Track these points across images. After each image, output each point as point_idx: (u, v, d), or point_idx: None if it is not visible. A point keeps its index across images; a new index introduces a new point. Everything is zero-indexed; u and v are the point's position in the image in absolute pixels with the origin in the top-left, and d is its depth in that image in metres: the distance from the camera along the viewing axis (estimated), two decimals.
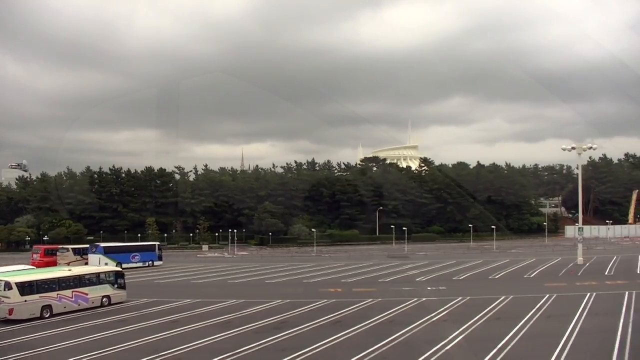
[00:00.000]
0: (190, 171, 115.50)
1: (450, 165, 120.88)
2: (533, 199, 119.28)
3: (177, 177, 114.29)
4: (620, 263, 55.24)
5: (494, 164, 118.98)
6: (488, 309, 29.39)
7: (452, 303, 31.76)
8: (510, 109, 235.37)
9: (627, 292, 33.24)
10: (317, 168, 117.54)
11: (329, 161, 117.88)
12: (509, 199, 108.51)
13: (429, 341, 22.01)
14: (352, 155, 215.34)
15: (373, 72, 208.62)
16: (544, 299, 32.02)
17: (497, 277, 48.27)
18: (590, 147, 59.52)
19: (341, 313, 29.30)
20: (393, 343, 22.33)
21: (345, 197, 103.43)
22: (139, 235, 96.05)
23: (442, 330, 24.32)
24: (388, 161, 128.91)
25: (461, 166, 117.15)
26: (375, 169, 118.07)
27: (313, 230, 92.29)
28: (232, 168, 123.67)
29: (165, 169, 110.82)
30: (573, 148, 58.85)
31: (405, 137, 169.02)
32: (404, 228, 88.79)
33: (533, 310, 28.39)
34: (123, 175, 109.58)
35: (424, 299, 34.62)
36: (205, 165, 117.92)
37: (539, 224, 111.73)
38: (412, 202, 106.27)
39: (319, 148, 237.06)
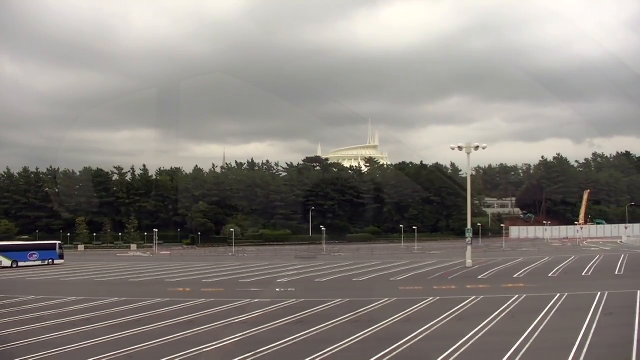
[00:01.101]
0: (128, 171, 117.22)
1: (393, 165, 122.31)
2: (477, 200, 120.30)
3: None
4: (512, 267, 54.22)
5: (436, 163, 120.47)
6: (305, 312, 28.04)
7: (279, 305, 30.83)
8: (509, 108, 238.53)
9: (480, 297, 32.43)
10: (261, 167, 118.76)
11: (267, 161, 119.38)
12: (449, 199, 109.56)
13: (194, 343, 21.01)
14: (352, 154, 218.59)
15: (370, 71, 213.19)
16: (379, 302, 30.73)
17: (362, 279, 47.35)
18: (478, 147, 60.11)
19: (155, 311, 28.85)
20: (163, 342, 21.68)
21: (280, 197, 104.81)
22: (68, 234, 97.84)
23: (221, 333, 23.19)
24: (339, 161, 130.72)
25: (402, 166, 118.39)
26: (317, 168, 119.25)
27: (245, 229, 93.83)
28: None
29: (102, 169, 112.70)
30: (460, 148, 59.53)
31: (409, 135, 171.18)
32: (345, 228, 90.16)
33: (347, 315, 26.81)
34: (61, 175, 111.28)
35: (256, 300, 33.96)
36: (143, 166, 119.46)
37: (481, 225, 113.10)
38: (349, 202, 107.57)
39: (317, 147, 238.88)
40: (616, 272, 45.83)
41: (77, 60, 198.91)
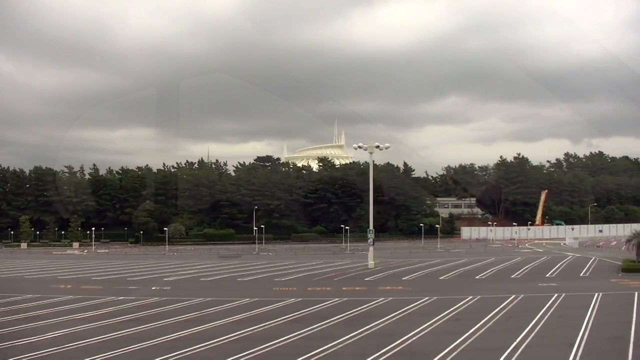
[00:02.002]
0: (79, 170, 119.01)
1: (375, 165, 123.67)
2: (429, 200, 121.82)
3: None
4: (411, 269, 54.70)
5: (388, 163, 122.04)
6: (152, 310, 29.71)
7: (136, 303, 32.39)
8: (507, 109, 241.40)
9: (344, 299, 33.62)
10: (210, 166, 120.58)
11: (217, 160, 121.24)
12: (398, 199, 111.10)
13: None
14: (351, 154, 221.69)
15: (368, 71, 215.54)
16: (238, 302, 32.28)
17: (246, 279, 48.49)
18: (378, 146, 61.96)
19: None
20: None
21: (225, 196, 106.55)
22: (12, 232, 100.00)
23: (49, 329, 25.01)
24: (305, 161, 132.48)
25: (350, 166, 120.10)
26: (269, 167, 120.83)
27: (190, 228, 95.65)
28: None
29: (52, 169, 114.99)
30: (360, 147, 61.41)
31: (407, 135, 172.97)
32: (290, 228, 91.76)
33: (188, 314, 28.63)
34: (8, 174, 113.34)
35: (120, 297, 35.09)
36: (94, 165, 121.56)
37: (432, 225, 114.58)
38: (297, 202, 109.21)
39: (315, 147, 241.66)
40: (513, 276, 47.18)
41: (74, 60, 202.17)
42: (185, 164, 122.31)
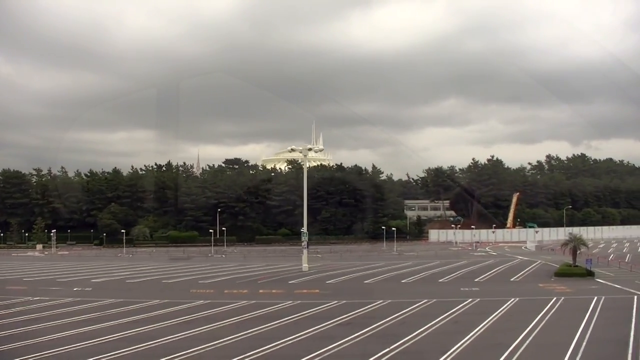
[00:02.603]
0: (46, 173, 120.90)
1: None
2: (397, 202, 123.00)
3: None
4: (341, 273, 55.75)
5: (355, 165, 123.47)
6: (57, 310, 32.31)
7: (48, 304, 34.78)
8: (505, 110, 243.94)
9: (252, 301, 35.22)
10: (177, 169, 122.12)
11: (184, 163, 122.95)
12: (364, 202, 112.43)
13: None
14: (350, 156, 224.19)
15: (366, 73, 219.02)
16: (148, 303, 34.54)
17: (171, 281, 49.71)
18: (310, 149, 63.73)
19: None
20: None
21: (190, 199, 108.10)
22: None
23: None
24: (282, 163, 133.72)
25: (317, 169, 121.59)
26: (236, 170, 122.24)
27: (155, 231, 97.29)
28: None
29: (20, 171, 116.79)
30: (293, 150, 63.14)
31: (407, 137, 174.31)
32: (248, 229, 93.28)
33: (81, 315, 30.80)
34: None
35: (37, 297, 37.50)
36: (62, 168, 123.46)
37: (399, 228, 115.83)
38: (262, 205, 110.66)
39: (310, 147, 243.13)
40: (441, 280, 48.71)
41: (72, 62, 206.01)
42: (153, 166, 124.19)
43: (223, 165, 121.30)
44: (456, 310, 31.28)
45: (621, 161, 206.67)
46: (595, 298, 35.51)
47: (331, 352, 21.77)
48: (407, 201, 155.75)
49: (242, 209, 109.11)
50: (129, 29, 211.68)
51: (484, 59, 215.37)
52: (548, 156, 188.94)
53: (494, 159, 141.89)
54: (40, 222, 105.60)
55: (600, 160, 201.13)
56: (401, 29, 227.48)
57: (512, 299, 35.09)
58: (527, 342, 23.34)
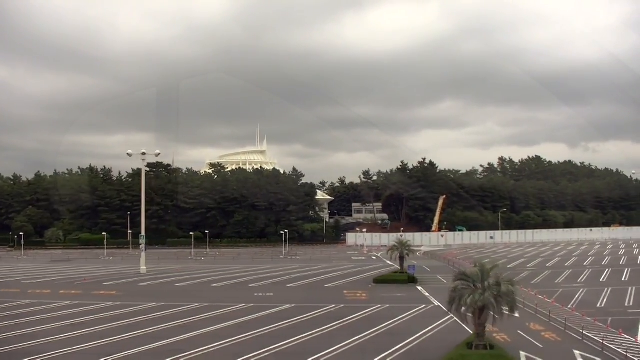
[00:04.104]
0: None
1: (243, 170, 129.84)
2: (316, 206, 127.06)
3: None
4: (174, 276, 62.51)
5: (273, 169, 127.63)
6: None
7: None
8: (503, 112, 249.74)
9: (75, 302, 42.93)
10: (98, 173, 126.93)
11: (105, 167, 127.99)
12: (278, 205, 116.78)
13: None
14: (349, 159, 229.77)
15: (362, 75, 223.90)
16: None
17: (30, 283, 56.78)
18: (144, 153, 69.02)
19: None
20: None
21: (104, 202, 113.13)
22: None
23: None
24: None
25: (238, 172, 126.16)
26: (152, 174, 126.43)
27: (70, 233, 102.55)
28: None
29: None
30: (129, 154, 68.45)
31: (404, 140, 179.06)
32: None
33: None
34: None
35: None
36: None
37: (314, 231, 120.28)
38: (178, 208, 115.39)
39: (313, 152, 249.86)
40: (253, 285, 54.56)
41: (67, 64, 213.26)
42: (78, 171, 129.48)
43: (146, 168, 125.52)
44: (203, 316, 37.04)
45: (582, 163, 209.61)
46: (379, 307, 40.36)
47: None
48: (354, 204, 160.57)
49: (156, 212, 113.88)
50: (123, 32, 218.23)
51: (481, 61, 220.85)
52: (501, 158, 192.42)
53: (425, 161, 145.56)
54: None
55: (559, 162, 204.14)
56: (395, 31, 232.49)
57: (287, 305, 40.63)
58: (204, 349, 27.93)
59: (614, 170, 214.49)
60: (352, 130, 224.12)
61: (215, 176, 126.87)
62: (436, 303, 41.38)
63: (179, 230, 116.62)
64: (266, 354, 26.91)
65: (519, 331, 31.50)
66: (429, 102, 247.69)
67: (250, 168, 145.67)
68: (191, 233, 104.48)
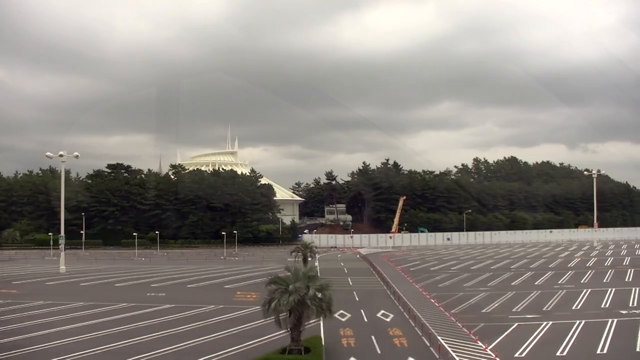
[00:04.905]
0: None
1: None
2: (273, 208, 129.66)
3: None
4: (86, 275, 65.86)
5: (231, 170, 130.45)
6: None
7: None
8: (501, 113, 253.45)
9: None
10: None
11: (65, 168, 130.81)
12: (234, 206, 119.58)
13: None
14: (348, 160, 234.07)
15: (360, 76, 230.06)
16: None
17: None
18: (77, 156, 72.15)
19: None
20: None
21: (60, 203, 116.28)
22: None
23: None
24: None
25: (195, 173, 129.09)
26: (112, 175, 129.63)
27: (27, 234, 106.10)
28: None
29: None
30: (48, 156, 71.74)
31: (403, 141, 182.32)
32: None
33: None
34: None
35: None
36: None
37: (269, 232, 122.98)
38: (134, 209, 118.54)
39: (312, 153, 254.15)
40: (154, 285, 57.47)
41: (65, 65, 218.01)
42: (37, 171, 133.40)
43: (103, 170, 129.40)
44: (71, 315, 40.02)
45: (562, 164, 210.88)
46: (257, 308, 41.94)
47: None
48: (329, 207, 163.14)
49: (112, 212, 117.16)
50: (120, 33, 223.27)
51: (479, 61, 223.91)
52: (475, 159, 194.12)
53: (388, 162, 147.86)
54: None
55: (537, 163, 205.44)
56: (393, 31, 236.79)
57: (167, 306, 43.39)
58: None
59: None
60: (351, 131, 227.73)
61: (175, 177, 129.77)
62: None
63: (136, 231, 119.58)
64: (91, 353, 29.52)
65: (372, 336, 33.09)
66: (427, 103, 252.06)
67: (221, 169, 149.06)
68: (150, 234, 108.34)
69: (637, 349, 30.44)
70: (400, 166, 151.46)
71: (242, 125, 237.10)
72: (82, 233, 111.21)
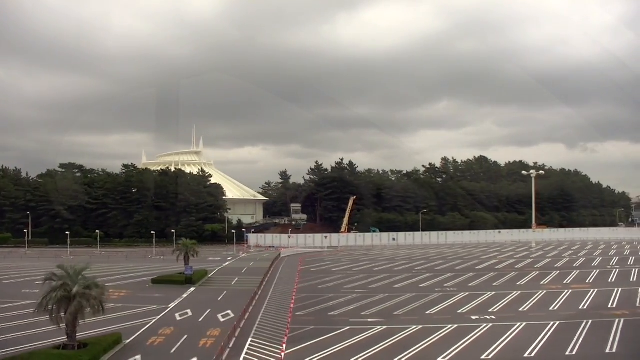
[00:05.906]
0: None
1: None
2: (222, 208, 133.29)
3: None
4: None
5: (179, 170, 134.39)
6: None
7: None
8: (500, 112, 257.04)
9: None
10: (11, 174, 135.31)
11: (16, 168, 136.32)
12: (179, 206, 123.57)
13: None
14: (347, 159, 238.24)
15: (358, 75, 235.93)
16: None
17: None
18: None
19: None
20: None
21: (10, 202, 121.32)
22: None
23: None
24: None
25: (143, 172, 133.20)
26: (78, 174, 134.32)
27: None
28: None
29: None
30: None
31: (401, 140, 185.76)
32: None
33: None
34: None
35: None
36: None
37: (215, 231, 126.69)
38: (82, 208, 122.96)
39: (311, 152, 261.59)
40: (38, 283, 60.46)
41: (62, 65, 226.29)
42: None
43: (56, 169, 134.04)
44: None
45: (535, 163, 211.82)
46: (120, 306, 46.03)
47: None
48: (293, 205, 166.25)
49: (59, 212, 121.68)
50: (117, 32, 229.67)
51: (477, 60, 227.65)
52: (443, 159, 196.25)
53: (343, 162, 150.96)
54: None
55: (508, 162, 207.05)
56: (390, 30, 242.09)
57: (27, 302, 45.50)
58: None
59: (572, 171, 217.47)
60: (349, 130, 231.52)
61: (124, 177, 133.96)
62: (172, 305, 47.14)
63: (84, 230, 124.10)
64: None
65: (185, 335, 35.69)
66: (426, 102, 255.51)
67: (186, 169, 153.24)
68: (97, 231, 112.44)
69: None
70: (356, 166, 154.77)
71: (240, 124, 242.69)
72: (25, 232, 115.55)
